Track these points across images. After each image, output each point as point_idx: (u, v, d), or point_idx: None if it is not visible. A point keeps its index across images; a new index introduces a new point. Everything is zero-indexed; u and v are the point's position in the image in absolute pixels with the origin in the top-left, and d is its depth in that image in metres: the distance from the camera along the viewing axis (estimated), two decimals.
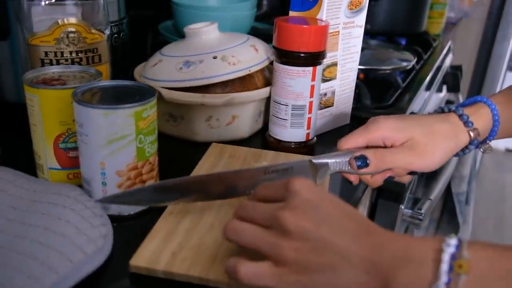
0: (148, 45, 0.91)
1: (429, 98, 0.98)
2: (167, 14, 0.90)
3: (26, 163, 0.49)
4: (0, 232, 0.40)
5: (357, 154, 0.46)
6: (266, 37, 0.95)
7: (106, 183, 0.43)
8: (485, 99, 0.51)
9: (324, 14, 0.58)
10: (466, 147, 0.50)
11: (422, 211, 0.76)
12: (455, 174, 1.04)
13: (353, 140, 0.47)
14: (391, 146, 0.47)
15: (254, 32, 0.98)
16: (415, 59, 0.93)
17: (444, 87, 1.17)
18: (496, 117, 0.51)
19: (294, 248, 0.31)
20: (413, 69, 0.94)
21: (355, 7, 0.61)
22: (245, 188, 0.44)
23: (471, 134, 0.49)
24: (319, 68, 0.56)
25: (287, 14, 0.60)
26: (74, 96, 0.42)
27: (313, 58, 0.55)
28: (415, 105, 0.84)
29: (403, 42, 1.14)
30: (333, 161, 0.46)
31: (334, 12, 0.59)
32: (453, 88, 1.16)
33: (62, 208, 0.41)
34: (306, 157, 0.47)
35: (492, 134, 0.52)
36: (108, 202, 0.43)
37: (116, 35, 0.66)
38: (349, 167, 0.47)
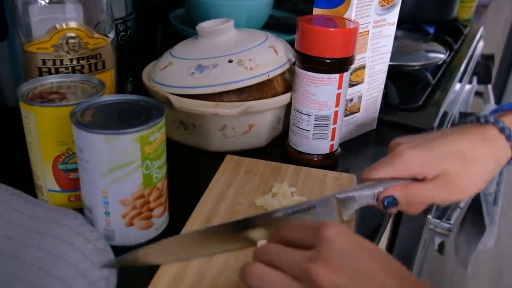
0: (158, 37, 0.85)
1: (460, 91, 0.92)
2: (179, 0, 0.84)
3: (26, 173, 0.45)
4: None
5: (385, 194, 0.41)
6: (286, 27, 0.89)
7: (109, 212, 0.39)
8: None
9: (353, 12, 0.51)
10: (508, 162, 0.45)
11: (452, 221, 0.70)
12: None
13: (378, 175, 0.42)
14: (423, 179, 0.41)
15: (272, 21, 0.92)
16: (447, 52, 0.86)
17: (475, 79, 1.09)
18: None
19: None
20: (443, 63, 0.87)
21: (387, 3, 0.55)
22: (265, 235, 0.39)
23: None
24: (346, 75, 0.50)
25: None
26: (72, 117, 0.37)
27: (340, 65, 0.49)
28: (448, 103, 0.77)
29: (431, 30, 1.06)
30: (360, 194, 0.41)
31: (364, 10, 0.53)
32: (485, 79, 1.08)
33: (60, 243, 0.37)
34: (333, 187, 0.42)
35: None
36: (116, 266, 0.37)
37: (122, 33, 0.61)
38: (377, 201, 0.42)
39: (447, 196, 0.42)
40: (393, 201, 0.41)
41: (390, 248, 0.73)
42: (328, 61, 0.49)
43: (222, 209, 0.45)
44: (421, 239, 0.72)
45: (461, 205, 0.74)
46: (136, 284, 0.37)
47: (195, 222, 0.43)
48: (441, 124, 0.69)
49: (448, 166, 0.41)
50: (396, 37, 0.99)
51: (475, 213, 1.07)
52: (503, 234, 1.90)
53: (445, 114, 0.73)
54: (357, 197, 0.42)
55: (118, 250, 0.39)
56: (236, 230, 0.39)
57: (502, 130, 0.43)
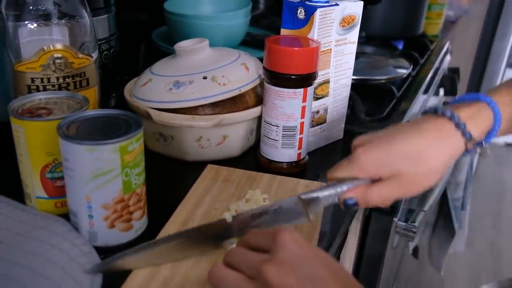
0: (141, 54, 0.90)
1: (425, 102, 0.98)
2: (162, 18, 0.89)
3: (16, 185, 0.49)
4: None
5: (345, 195, 0.44)
6: (262, 44, 0.94)
7: (92, 216, 0.43)
8: (488, 100, 0.45)
9: (315, 33, 0.57)
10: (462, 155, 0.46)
11: (416, 223, 0.75)
12: (450, 180, 1.04)
13: (339, 175, 0.45)
14: (379, 179, 0.44)
15: (249, 39, 0.97)
16: (411, 67, 0.92)
17: (442, 90, 1.16)
18: (498, 122, 0.46)
19: None
20: (409, 77, 0.93)
21: (348, 24, 0.60)
22: (238, 234, 0.43)
23: (468, 145, 0.44)
24: (310, 89, 0.55)
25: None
26: (58, 130, 0.41)
27: (304, 80, 0.54)
28: (412, 114, 0.83)
29: (400, 46, 1.13)
30: (323, 195, 0.44)
31: (326, 30, 0.58)
32: (451, 91, 1.15)
33: (49, 247, 0.41)
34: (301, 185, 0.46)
35: (490, 137, 0.47)
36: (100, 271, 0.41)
37: (106, 52, 0.65)
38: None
39: (403, 193, 0.44)
40: (353, 202, 0.44)
41: (360, 248, 0.78)
42: (293, 77, 0.54)
43: (199, 215, 0.49)
44: (389, 240, 0.77)
45: (426, 208, 0.79)
46: (117, 279, 0.41)
47: (172, 225, 0.47)
48: None
49: (403, 166, 0.42)
50: (366, 53, 1.06)
51: (445, 217, 1.13)
52: (476, 229, 1.97)
53: None
54: (321, 197, 0.44)
55: (101, 250, 0.43)
56: (209, 235, 0.43)
57: (457, 125, 0.43)
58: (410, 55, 1.04)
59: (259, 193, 0.51)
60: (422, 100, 0.96)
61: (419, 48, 1.11)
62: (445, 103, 1.25)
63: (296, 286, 0.31)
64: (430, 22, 1.28)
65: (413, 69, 0.97)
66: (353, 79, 0.84)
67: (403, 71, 0.89)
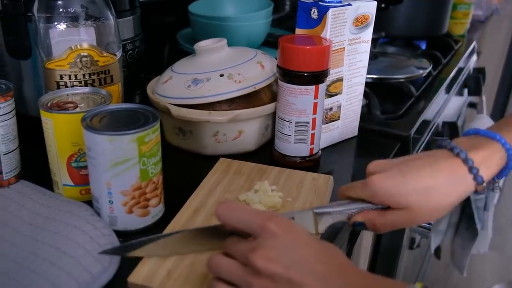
0: (165, 55, 0.94)
1: (446, 102, 0.98)
2: (187, 20, 0.92)
3: (46, 176, 0.53)
4: (17, 248, 0.44)
5: (355, 218, 0.46)
6: None
7: (112, 201, 0.46)
8: (503, 141, 0.46)
9: (328, 32, 0.59)
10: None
11: (432, 221, 0.76)
12: None
13: (352, 195, 0.47)
14: (389, 207, 0.45)
15: (271, 39, 1.00)
16: (431, 66, 0.93)
17: (466, 91, 1.15)
18: (511, 163, 0.46)
19: (263, 287, 0.34)
20: (429, 76, 0.94)
21: (361, 24, 0.62)
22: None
23: (478, 188, 0.45)
24: (321, 86, 0.57)
25: None
26: (82, 122, 0.45)
27: (315, 77, 0.56)
28: (429, 113, 0.84)
29: (423, 46, 1.13)
30: (335, 211, 0.46)
31: (339, 30, 0.60)
32: (475, 91, 1.14)
33: (73, 229, 0.45)
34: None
35: (502, 175, 0.48)
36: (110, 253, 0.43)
37: (130, 52, 0.69)
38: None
39: (409, 223, 0.45)
40: (362, 225, 0.46)
41: (376, 245, 0.79)
42: (305, 74, 0.56)
43: (210, 203, 0.52)
44: (404, 237, 0.78)
45: None
46: (129, 265, 0.44)
47: (185, 212, 0.50)
48: (419, 132, 0.75)
49: (413, 201, 0.44)
50: (388, 53, 1.06)
51: (468, 218, 1.12)
52: (509, 236, 1.92)
53: (424, 122, 0.79)
54: (332, 213, 0.46)
55: (121, 234, 0.47)
56: (222, 234, 0.43)
57: (470, 169, 0.45)
58: (432, 55, 1.04)
59: (267, 184, 0.53)
60: (444, 100, 0.96)
61: (442, 48, 1.11)
62: (470, 104, 1.24)
63: (281, 271, 0.34)
64: (456, 22, 1.27)
65: (434, 69, 0.97)
66: (371, 78, 0.86)
67: (421, 71, 0.89)
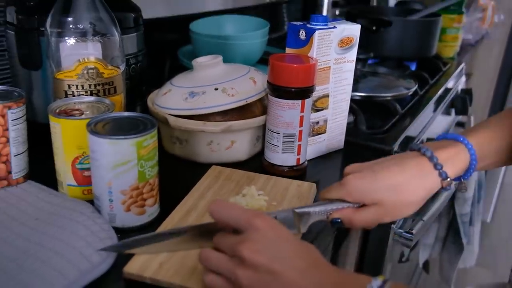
0: (166, 69, 1.00)
1: (432, 121, 1.03)
2: (188, 38, 0.98)
3: (51, 177, 0.58)
4: (25, 240, 0.48)
5: (333, 216, 0.50)
6: None
7: (112, 200, 0.51)
8: (466, 142, 0.51)
9: (314, 52, 0.64)
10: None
11: (413, 231, 0.80)
12: (458, 195, 1.08)
13: (330, 196, 0.51)
14: (363, 205, 0.50)
15: (266, 56, 1.05)
16: (416, 86, 0.98)
17: (453, 111, 1.20)
18: (474, 162, 0.51)
19: (247, 277, 0.38)
20: (415, 95, 0.99)
21: (346, 45, 0.67)
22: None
23: (444, 183, 0.50)
24: (307, 101, 0.62)
25: None
26: (88, 127, 0.50)
27: (302, 93, 0.62)
28: (413, 129, 0.88)
29: (413, 67, 1.18)
30: (314, 211, 0.50)
31: (325, 50, 0.65)
32: (461, 111, 1.19)
33: (75, 223, 0.50)
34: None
35: (467, 175, 0.53)
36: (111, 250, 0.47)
37: (133, 65, 0.74)
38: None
39: (382, 219, 0.50)
40: (339, 222, 0.50)
41: (362, 253, 0.83)
42: (292, 90, 0.61)
43: (201, 205, 0.56)
44: (387, 248, 0.82)
45: (425, 218, 0.84)
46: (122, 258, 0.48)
47: (178, 213, 0.54)
48: (402, 147, 0.80)
49: (384, 197, 0.49)
50: (379, 73, 1.12)
51: (454, 232, 1.16)
52: (499, 252, 1.95)
53: (408, 139, 0.84)
54: (312, 212, 0.50)
55: (119, 231, 0.51)
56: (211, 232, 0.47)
57: (435, 166, 0.50)
58: (420, 75, 1.09)
59: (254, 189, 0.58)
60: (429, 118, 1.01)
61: (431, 69, 1.16)
62: (458, 124, 1.29)
63: (265, 263, 0.38)
64: (445, 45, 1.33)
65: (421, 89, 1.03)
66: (360, 96, 0.92)
67: (407, 90, 0.95)
